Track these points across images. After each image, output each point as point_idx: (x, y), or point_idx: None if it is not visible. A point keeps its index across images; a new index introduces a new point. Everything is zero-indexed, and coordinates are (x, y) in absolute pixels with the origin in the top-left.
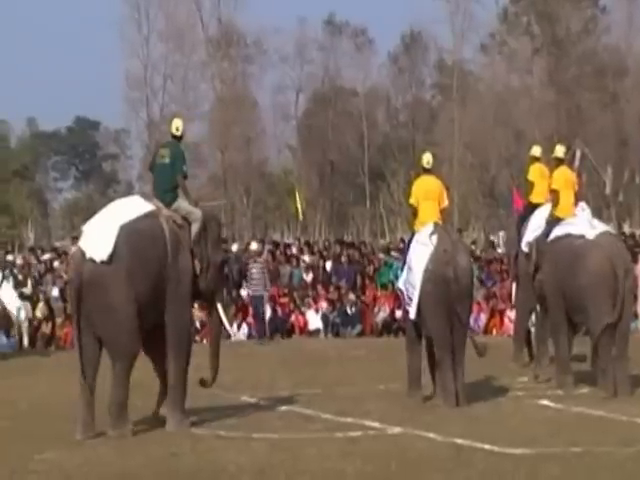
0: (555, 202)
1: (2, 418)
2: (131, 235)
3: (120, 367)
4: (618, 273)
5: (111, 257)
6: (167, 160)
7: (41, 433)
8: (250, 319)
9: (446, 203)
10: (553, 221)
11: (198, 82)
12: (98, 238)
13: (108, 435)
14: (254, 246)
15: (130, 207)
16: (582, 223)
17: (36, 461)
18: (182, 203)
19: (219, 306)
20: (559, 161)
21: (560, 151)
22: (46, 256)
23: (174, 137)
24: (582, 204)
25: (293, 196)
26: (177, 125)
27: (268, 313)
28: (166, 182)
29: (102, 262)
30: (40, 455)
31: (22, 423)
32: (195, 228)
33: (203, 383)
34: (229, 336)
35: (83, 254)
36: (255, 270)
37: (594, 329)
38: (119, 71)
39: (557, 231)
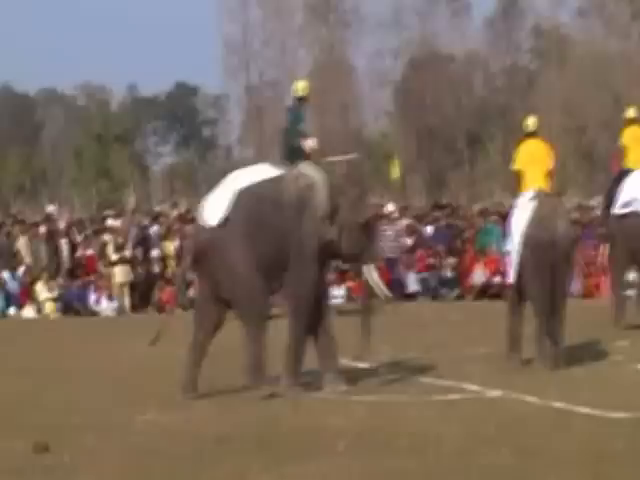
0: None
1: (105, 379)
2: (249, 199)
3: (250, 329)
4: None
5: (224, 222)
6: (286, 124)
7: (143, 394)
8: (350, 282)
9: (552, 164)
10: None
11: (296, 47)
12: (213, 206)
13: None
14: (390, 207)
15: (253, 173)
16: None
17: (139, 422)
18: (305, 167)
19: (365, 269)
20: None
21: None
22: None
23: (299, 99)
24: None
25: (392, 161)
26: (299, 87)
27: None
28: (285, 146)
29: (218, 226)
30: (143, 415)
31: (124, 385)
32: (321, 192)
33: (356, 358)
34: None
35: (199, 224)
36: (390, 232)
37: None
38: (218, 36)
39: None
